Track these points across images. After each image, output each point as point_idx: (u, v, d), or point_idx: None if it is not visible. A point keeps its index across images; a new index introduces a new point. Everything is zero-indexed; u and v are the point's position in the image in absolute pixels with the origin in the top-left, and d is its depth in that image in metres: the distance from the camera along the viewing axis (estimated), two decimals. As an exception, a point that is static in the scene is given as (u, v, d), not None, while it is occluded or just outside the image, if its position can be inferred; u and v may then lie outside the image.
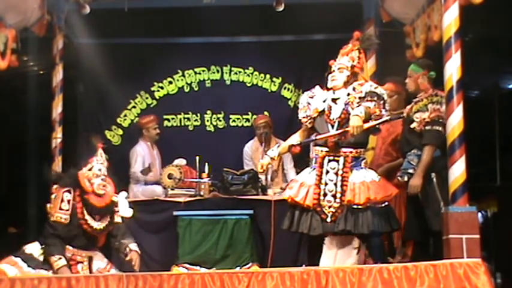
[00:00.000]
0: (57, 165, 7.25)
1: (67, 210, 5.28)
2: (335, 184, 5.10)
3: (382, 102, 5.05)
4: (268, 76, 8.30)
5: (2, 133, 8.96)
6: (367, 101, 5.03)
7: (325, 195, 5.10)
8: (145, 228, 6.95)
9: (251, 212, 6.78)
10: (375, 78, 6.14)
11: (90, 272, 5.33)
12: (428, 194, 5.44)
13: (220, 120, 8.27)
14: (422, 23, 6.22)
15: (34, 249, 5.33)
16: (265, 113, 7.96)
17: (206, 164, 7.09)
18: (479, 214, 7.33)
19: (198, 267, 6.48)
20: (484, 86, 9.25)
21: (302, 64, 8.10)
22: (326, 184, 5.11)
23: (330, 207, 5.07)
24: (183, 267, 6.50)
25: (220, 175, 7.11)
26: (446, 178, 5.11)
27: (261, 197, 6.95)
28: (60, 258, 5.16)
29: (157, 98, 8.30)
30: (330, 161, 5.15)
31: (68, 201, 5.30)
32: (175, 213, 6.82)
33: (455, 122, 5.05)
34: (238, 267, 6.40)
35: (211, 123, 8.29)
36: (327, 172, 5.13)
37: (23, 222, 7.80)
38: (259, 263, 6.53)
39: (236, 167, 7.29)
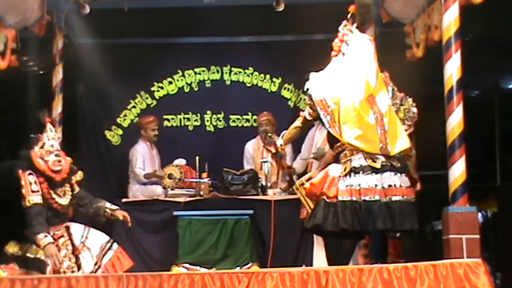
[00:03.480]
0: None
1: (37, 191, 5.22)
2: None
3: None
4: (268, 76, 8.30)
5: (2, 133, 8.95)
6: None
7: None
8: (145, 228, 6.96)
9: (251, 212, 6.78)
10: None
11: (72, 242, 5.34)
12: None
13: (220, 120, 8.28)
14: (422, 23, 6.22)
15: (15, 249, 5.34)
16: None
17: (206, 164, 7.09)
18: (479, 214, 7.33)
19: (198, 267, 6.48)
20: (484, 86, 9.25)
21: (302, 64, 8.06)
22: None
23: None
24: (183, 267, 6.51)
25: (220, 175, 7.11)
26: None
27: (261, 197, 6.96)
28: (46, 236, 5.12)
29: (157, 98, 8.30)
30: None
31: (35, 183, 5.24)
32: (175, 213, 6.82)
33: (455, 122, 5.06)
34: (238, 267, 6.40)
35: (211, 123, 8.29)
36: None
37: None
38: (259, 263, 6.53)
39: (236, 167, 7.29)
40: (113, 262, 5.43)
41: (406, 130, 5.06)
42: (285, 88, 8.28)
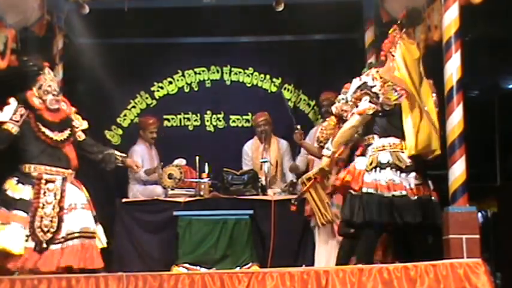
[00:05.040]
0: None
1: (17, 121, 5.41)
2: None
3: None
4: (268, 76, 8.30)
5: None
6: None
7: None
8: (145, 228, 6.96)
9: (251, 212, 6.78)
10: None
11: (62, 192, 5.38)
12: None
13: (220, 120, 8.27)
14: (422, 23, 6.22)
15: (8, 185, 5.44)
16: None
17: (206, 164, 7.09)
18: (479, 214, 7.33)
19: (198, 267, 6.48)
20: (484, 86, 9.25)
21: (302, 64, 8.09)
22: None
23: None
24: (183, 267, 6.51)
25: (220, 175, 7.11)
26: None
27: (261, 197, 6.96)
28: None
29: (157, 98, 8.30)
30: None
31: (21, 115, 5.44)
32: (175, 213, 6.82)
33: (455, 122, 5.06)
34: (238, 267, 6.40)
35: (211, 123, 8.28)
36: None
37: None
38: (259, 263, 6.53)
39: (236, 167, 7.29)
40: (81, 248, 5.29)
41: None
42: (285, 88, 8.27)
